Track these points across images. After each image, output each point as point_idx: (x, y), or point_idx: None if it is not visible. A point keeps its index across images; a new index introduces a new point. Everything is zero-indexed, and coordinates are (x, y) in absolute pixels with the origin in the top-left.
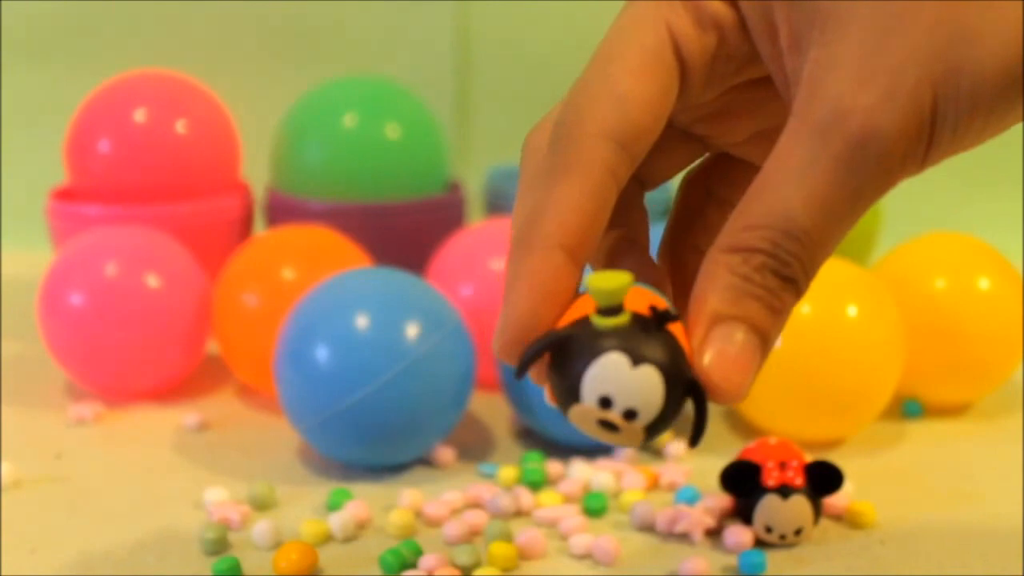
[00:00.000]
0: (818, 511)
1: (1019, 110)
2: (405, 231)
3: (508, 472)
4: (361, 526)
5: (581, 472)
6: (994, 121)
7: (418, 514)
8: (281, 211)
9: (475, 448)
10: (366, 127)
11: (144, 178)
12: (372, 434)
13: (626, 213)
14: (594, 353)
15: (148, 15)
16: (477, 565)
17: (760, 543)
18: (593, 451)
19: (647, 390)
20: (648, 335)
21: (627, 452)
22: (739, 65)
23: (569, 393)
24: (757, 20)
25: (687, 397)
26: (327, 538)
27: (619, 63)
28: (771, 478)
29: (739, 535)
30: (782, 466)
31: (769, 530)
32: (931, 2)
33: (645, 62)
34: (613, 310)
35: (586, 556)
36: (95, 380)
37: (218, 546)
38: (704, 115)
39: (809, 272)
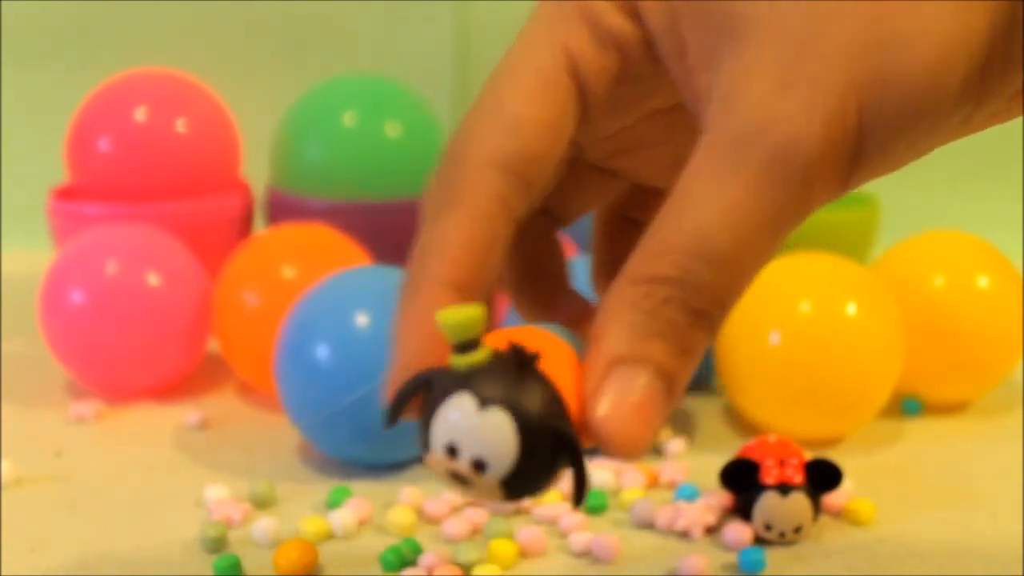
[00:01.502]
0: (817, 509)
1: (950, 122)
2: (405, 230)
3: None
4: (361, 524)
5: None
6: (923, 132)
7: (418, 512)
8: (281, 209)
9: None
10: (366, 126)
11: (144, 177)
12: (372, 432)
13: (537, 249)
14: (442, 395)
15: (148, 15)
16: (477, 563)
17: (759, 540)
18: (592, 449)
19: (495, 436)
20: (504, 374)
21: None
22: (646, 89)
23: (423, 441)
24: (663, 35)
25: (559, 449)
26: (327, 536)
27: (510, 86)
28: (770, 476)
29: (739, 532)
30: (781, 464)
31: (768, 527)
32: (855, 3)
33: (538, 84)
34: (468, 346)
35: (586, 553)
36: (95, 378)
37: (218, 544)
38: (617, 149)
39: (725, 305)
